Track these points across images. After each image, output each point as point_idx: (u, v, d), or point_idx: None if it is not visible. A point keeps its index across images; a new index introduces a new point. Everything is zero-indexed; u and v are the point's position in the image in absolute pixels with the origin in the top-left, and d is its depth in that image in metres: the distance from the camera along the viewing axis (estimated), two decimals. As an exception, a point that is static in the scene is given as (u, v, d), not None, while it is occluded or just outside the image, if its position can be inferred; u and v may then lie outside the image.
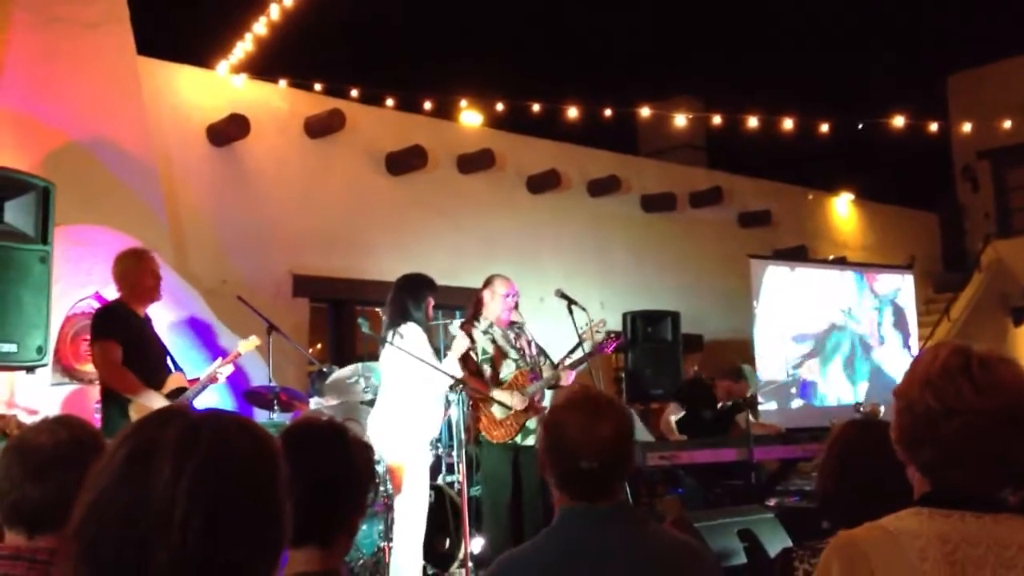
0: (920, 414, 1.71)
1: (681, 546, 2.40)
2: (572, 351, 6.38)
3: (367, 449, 2.42)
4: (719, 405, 7.85)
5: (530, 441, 6.17)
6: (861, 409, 8.58)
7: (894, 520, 1.72)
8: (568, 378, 6.37)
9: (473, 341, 6.14)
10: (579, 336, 6.25)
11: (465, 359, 6.00)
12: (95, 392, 6.13)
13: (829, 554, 1.74)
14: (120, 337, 5.19)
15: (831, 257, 13.24)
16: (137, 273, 5.42)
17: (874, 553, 1.68)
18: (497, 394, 6.06)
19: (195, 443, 1.19)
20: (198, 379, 5.54)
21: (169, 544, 1.13)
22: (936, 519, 1.69)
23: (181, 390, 5.37)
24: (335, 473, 2.29)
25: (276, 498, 1.24)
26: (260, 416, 6.65)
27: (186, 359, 6.07)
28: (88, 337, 5.60)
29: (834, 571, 1.71)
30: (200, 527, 1.14)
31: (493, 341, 6.27)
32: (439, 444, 6.83)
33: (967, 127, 13.51)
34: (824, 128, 11.76)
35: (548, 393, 7.41)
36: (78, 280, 6.71)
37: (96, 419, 5.67)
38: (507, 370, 6.24)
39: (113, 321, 5.29)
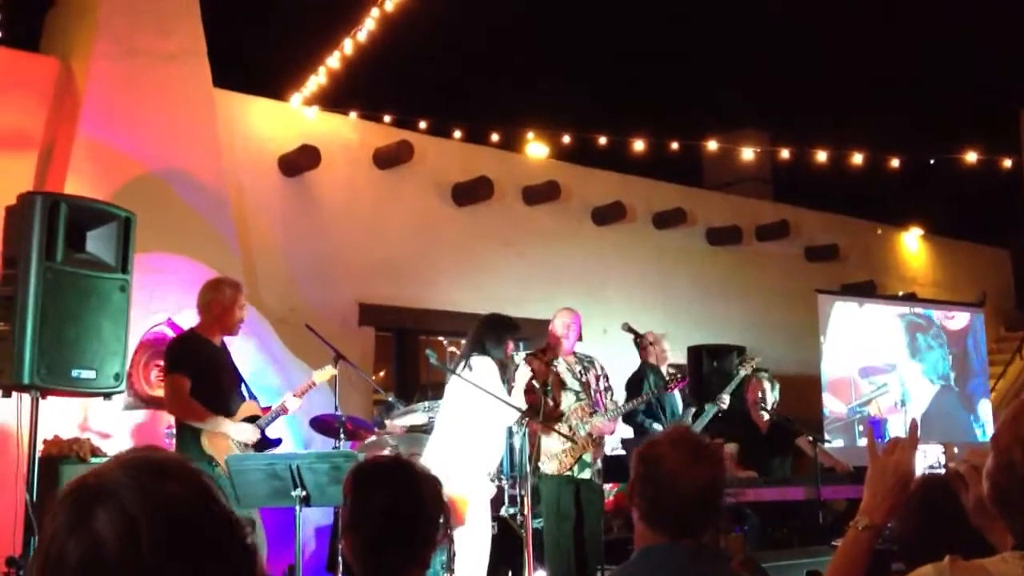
0: (1021, 478, 1.65)
1: None
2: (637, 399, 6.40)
3: (435, 482, 2.44)
4: (765, 416, 7.85)
5: (586, 475, 6.16)
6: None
7: (998, 562, 1.68)
8: (611, 427, 6.37)
9: (535, 372, 6.14)
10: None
11: (528, 390, 6.01)
12: (166, 417, 6.23)
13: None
14: (190, 369, 5.25)
15: (900, 293, 13.02)
16: (229, 304, 5.51)
17: None
18: (560, 428, 6.04)
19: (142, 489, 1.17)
20: (270, 408, 5.62)
21: None
22: None
23: (254, 418, 5.44)
24: (406, 508, 2.31)
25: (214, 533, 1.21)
26: (326, 444, 6.71)
27: (256, 387, 6.15)
28: (160, 363, 5.69)
29: None
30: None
31: (556, 373, 6.27)
32: (502, 476, 6.82)
33: (1041, 161, 13.24)
34: (894, 163, 11.59)
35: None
36: (151, 307, 6.83)
37: (167, 444, 5.77)
38: (567, 402, 6.23)
39: (183, 353, 5.36)
